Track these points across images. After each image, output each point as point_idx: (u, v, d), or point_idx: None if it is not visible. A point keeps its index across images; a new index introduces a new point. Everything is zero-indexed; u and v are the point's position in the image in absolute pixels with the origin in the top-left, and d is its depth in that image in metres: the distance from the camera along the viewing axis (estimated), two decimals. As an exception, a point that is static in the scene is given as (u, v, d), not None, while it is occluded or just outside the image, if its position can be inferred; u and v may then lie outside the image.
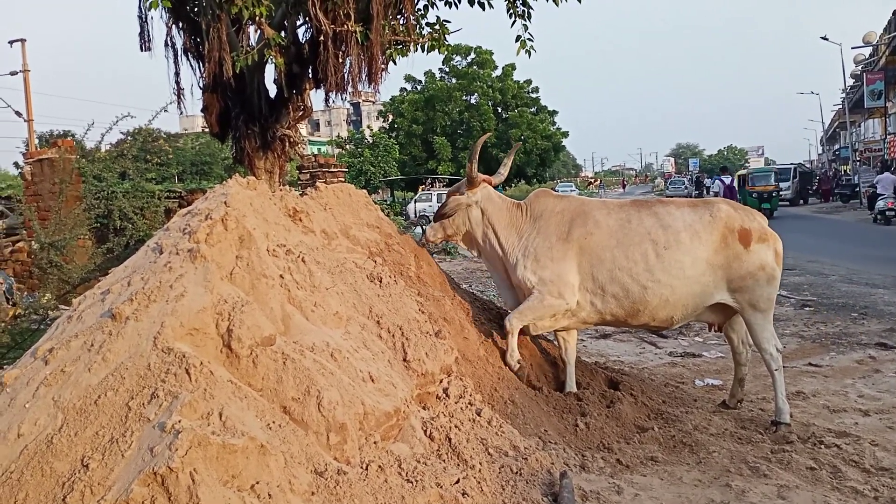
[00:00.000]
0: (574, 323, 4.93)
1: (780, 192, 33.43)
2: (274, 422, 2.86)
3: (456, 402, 3.86)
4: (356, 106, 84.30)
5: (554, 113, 44.46)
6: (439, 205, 5.44)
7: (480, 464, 3.36)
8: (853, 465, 4.13)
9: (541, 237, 4.89)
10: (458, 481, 3.14)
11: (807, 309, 9.37)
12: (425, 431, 3.50)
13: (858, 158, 42.68)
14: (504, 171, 5.48)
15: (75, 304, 3.46)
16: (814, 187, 41.51)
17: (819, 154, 78.15)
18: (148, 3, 6.18)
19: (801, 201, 38.40)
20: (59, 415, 2.73)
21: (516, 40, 7.25)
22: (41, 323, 5.39)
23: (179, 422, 2.54)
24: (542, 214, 5.00)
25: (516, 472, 3.41)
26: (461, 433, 3.57)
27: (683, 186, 37.43)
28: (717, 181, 26.43)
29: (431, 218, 5.54)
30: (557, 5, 7.21)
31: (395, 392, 3.49)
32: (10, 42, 29.37)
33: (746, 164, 78.68)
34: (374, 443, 3.17)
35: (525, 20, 7.29)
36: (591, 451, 4.14)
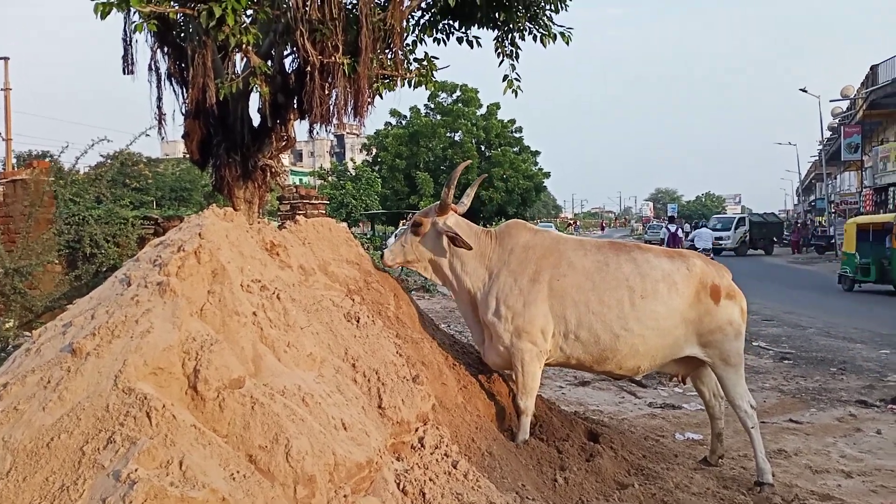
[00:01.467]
0: None
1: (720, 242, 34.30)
2: (238, 472, 2.69)
3: (431, 454, 3.70)
4: (340, 138, 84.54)
5: (536, 153, 44.81)
6: (404, 227, 5.18)
7: (455, 521, 3.20)
8: (838, 530, 4.00)
9: (510, 276, 4.70)
10: (431, 540, 2.97)
11: (786, 362, 9.32)
12: (398, 485, 3.33)
13: (834, 210, 43.35)
14: (467, 202, 5.22)
15: (35, 336, 3.27)
16: (784, 237, 41.93)
17: (795, 204, 79.51)
18: (133, 25, 6.08)
19: (751, 251, 38.34)
20: (7, 457, 2.54)
21: (503, 79, 7.24)
22: (1, 351, 5.15)
23: (136, 470, 2.36)
24: (514, 249, 4.80)
25: (493, 531, 3.24)
26: (436, 487, 3.40)
27: (663, 230, 37.75)
28: (663, 228, 27.50)
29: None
30: (545, 46, 7.20)
31: (369, 441, 3.32)
32: (-7, 59, 29.14)
33: (724, 212, 79.65)
34: (344, 496, 2.99)
35: (513, 60, 7.29)
36: (569, 508, 3.98)
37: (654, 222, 70.99)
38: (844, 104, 42.49)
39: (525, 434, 4.65)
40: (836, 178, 48.33)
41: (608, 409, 6.92)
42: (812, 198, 62.07)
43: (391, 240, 5.38)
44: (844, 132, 39.17)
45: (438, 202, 4.94)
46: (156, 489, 2.30)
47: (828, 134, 45.55)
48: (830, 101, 41.61)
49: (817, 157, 51.05)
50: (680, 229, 24.11)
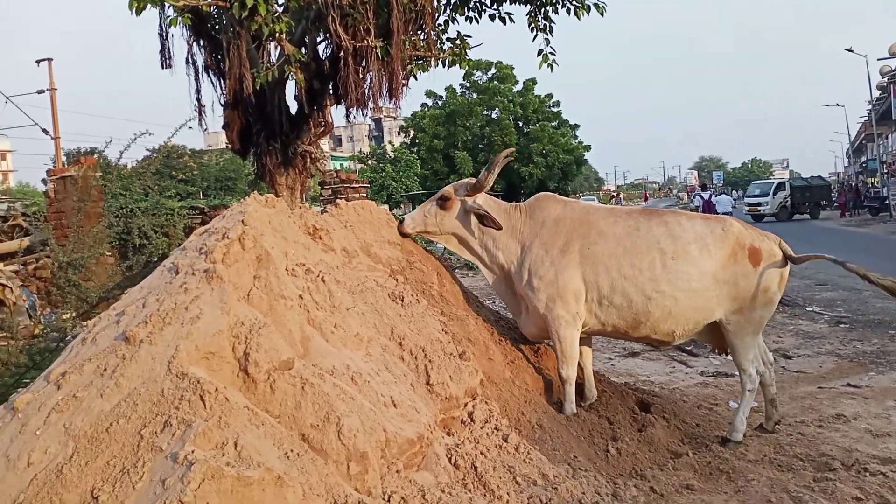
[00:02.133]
0: None
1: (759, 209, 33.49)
2: (292, 450, 2.74)
3: (481, 428, 3.72)
4: (378, 122, 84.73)
5: (576, 127, 44.35)
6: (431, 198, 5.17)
7: (508, 494, 3.21)
8: (902, 494, 3.90)
9: (542, 248, 4.72)
10: (484, 513, 2.99)
11: (842, 326, 9.09)
12: (450, 459, 3.36)
13: (886, 171, 41.92)
14: (491, 179, 4.93)
15: (90, 326, 3.37)
16: (833, 201, 40.66)
17: (846, 166, 77.13)
18: (168, 20, 6.16)
19: (796, 216, 37.27)
20: (70, 443, 2.63)
21: (538, 54, 7.13)
22: (60, 342, 5.32)
23: (193, 452, 2.43)
24: (545, 222, 4.82)
25: (546, 503, 3.25)
26: (487, 461, 3.42)
27: (696, 199, 36.93)
28: (696, 196, 27.27)
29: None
30: (580, 18, 7.06)
31: (419, 417, 3.35)
32: (38, 61, 29.84)
33: (770, 178, 77.75)
34: (397, 472, 3.03)
35: (547, 34, 7.17)
36: (623, 478, 3.95)
37: (698, 191, 69.74)
38: (893, 62, 40.89)
39: (571, 403, 4.65)
40: (887, 138, 46.69)
41: (659, 380, 6.85)
42: (863, 159, 60.07)
43: (413, 211, 5.32)
44: (894, 91, 37.76)
45: (472, 181, 4.93)
46: (213, 469, 2.35)
47: (877, 93, 43.93)
48: (878, 59, 40.07)
49: (867, 118, 49.31)
50: (720, 196, 24.16)
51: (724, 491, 3.90)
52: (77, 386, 2.82)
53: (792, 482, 4.02)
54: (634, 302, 4.58)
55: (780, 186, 38.51)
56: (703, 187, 28.70)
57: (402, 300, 4.39)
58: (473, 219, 4.88)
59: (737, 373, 6.85)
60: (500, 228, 4.75)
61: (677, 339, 4.82)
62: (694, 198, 42.87)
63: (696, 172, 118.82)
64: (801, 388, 6.33)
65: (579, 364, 4.94)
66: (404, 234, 5.04)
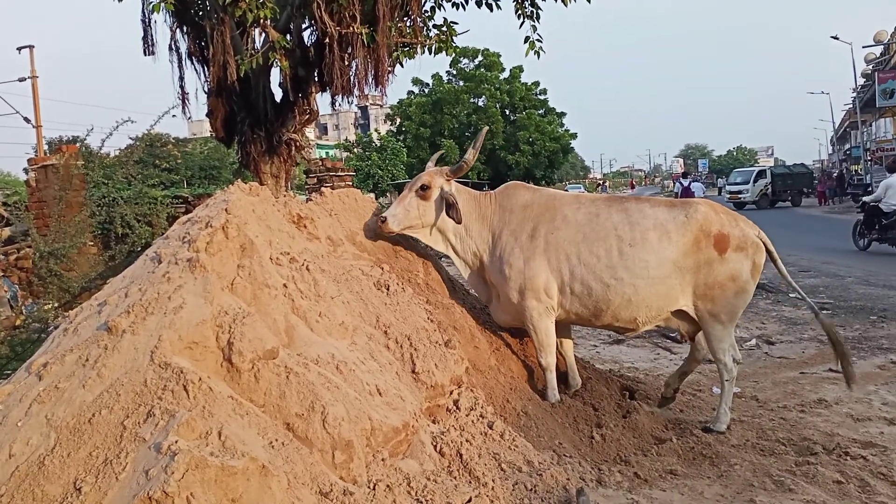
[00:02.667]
0: None
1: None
2: (276, 440, 2.73)
3: (467, 415, 3.73)
4: (364, 109, 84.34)
5: (562, 115, 44.34)
6: (411, 182, 4.91)
7: (493, 481, 3.22)
8: (881, 478, 3.95)
9: (511, 236, 4.72)
10: (469, 500, 3.00)
11: (824, 312, 9.16)
12: (435, 447, 3.36)
13: (870, 158, 42.21)
14: (474, 158, 4.87)
15: (72, 316, 3.34)
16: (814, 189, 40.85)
17: (830, 154, 77.59)
18: (151, 6, 6.08)
19: (776, 204, 37.30)
20: (51, 434, 2.61)
21: (525, 41, 7.11)
22: (41, 333, 5.28)
23: (176, 442, 2.41)
24: (513, 209, 4.81)
25: (531, 489, 3.27)
26: (472, 448, 3.43)
27: (676, 185, 37.18)
28: (677, 183, 28.09)
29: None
30: (566, 5, 7.05)
31: (404, 405, 3.36)
32: (19, 48, 29.45)
33: (756, 165, 78.17)
34: (382, 460, 3.04)
35: (534, 21, 7.15)
36: (607, 464, 3.99)
37: (691, 178, 70.09)
38: (878, 49, 41.16)
39: (554, 390, 4.67)
40: (871, 126, 46.97)
41: (643, 366, 6.90)
42: (847, 146, 60.46)
43: (393, 206, 5.10)
44: (879, 78, 37.94)
45: (454, 165, 4.82)
46: (196, 459, 2.34)
47: (861, 81, 44.22)
48: (863, 46, 40.40)
49: (851, 105, 49.64)
50: (693, 183, 25.22)
51: (708, 476, 3.94)
52: (59, 376, 2.80)
53: (774, 466, 4.06)
54: (594, 290, 4.55)
55: (761, 174, 38.61)
56: (685, 175, 30.20)
57: (388, 289, 4.39)
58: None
59: (721, 359, 6.94)
60: (459, 222, 4.69)
61: (641, 326, 4.75)
62: (675, 184, 43.12)
63: (681, 160, 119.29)
64: (783, 374, 6.39)
65: (561, 353, 4.96)
66: (389, 234, 4.79)
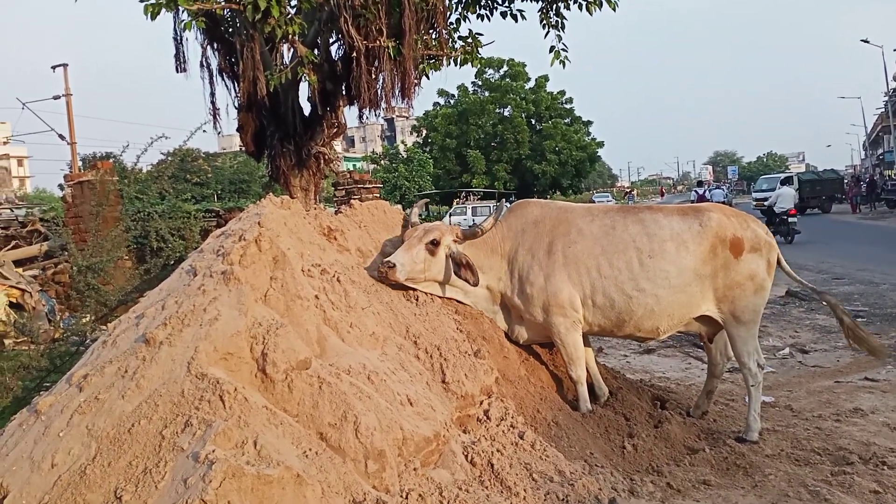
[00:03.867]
0: None
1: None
2: (310, 449, 2.77)
3: (497, 425, 3.74)
4: (390, 121, 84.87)
5: (589, 123, 44.20)
6: (420, 233, 4.62)
7: (525, 490, 3.23)
8: (920, 488, 3.88)
9: (528, 254, 4.67)
10: (501, 510, 3.01)
11: (859, 320, 9.00)
12: (466, 456, 3.38)
13: (904, 162, 41.44)
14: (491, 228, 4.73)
15: (110, 329, 3.42)
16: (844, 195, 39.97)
17: (862, 159, 76.29)
18: (182, 24, 6.22)
19: (805, 211, 36.59)
20: (92, 444, 2.67)
21: (550, 51, 7.15)
22: (80, 345, 5.40)
23: (213, 451, 2.46)
24: (525, 228, 4.76)
25: (563, 499, 3.27)
26: (504, 458, 3.44)
27: (692, 194, 36.69)
28: (693, 192, 28.92)
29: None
30: (591, 14, 7.08)
31: (435, 415, 3.38)
32: (53, 67, 30.17)
33: (787, 171, 77.13)
34: (414, 469, 3.06)
35: (559, 31, 7.18)
36: (639, 474, 3.97)
37: (713, 185, 69.41)
38: (910, 53, 40.48)
39: (586, 401, 4.66)
40: (903, 130, 46.14)
41: (675, 376, 6.84)
42: (880, 151, 59.44)
43: (400, 253, 4.56)
44: (911, 81, 37.33)
45: (468, 230, 4.71)
46: (233, 468, 2.39)
47: (893, 85, 43.53)
48: (894, 50, 39.79)
49: (883, 110, 48.83)
50: (707, 192, 25.88)
51: (742, 486, 3.90)
52: (99, 388, 2.87)
53: (809, 476, 4.01)
54: (616, 302, 4.57)
55: (788, 181, 37.91)
56: (699, 184, 31.75)
57: (417, 299, 4.43)
58: (450, 263, 4.61)
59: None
60: (476, 284, 4.54)
61: (662, 334, 4.79)
62: (691, 192, 42.90)
63: (710, 167, 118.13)
64: (818, 383, 6.30)
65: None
66: (394, 282, 4.44)
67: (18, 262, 10.03)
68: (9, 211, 13.00)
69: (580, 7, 7.04)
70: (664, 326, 4.70)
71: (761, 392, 4.79)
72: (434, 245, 4.56)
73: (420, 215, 5.15)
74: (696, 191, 29.06)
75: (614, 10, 7.15)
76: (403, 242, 4.65)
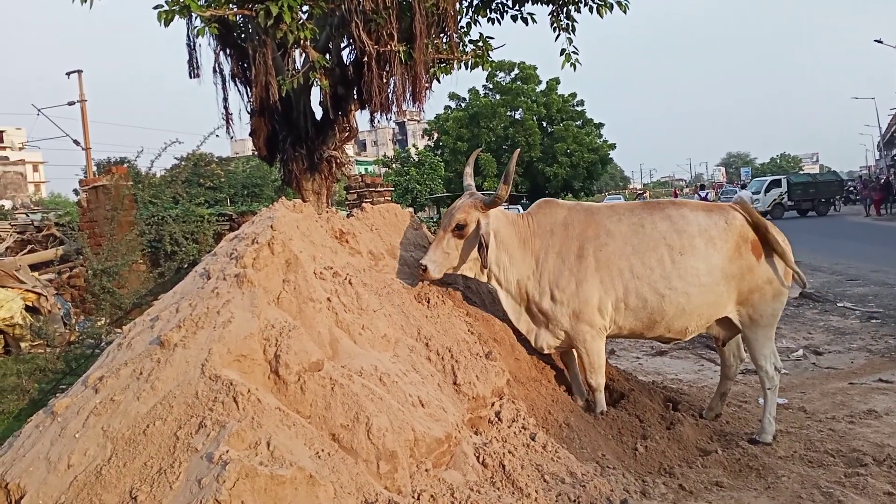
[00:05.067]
0: None
1: None
2: (323, 450, 2.79)
3: (509, 427, 3.75)
4: (401, 125, 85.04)
5: (600, 125, 44.13)
6: (446, 221, 4.57)
7: (536, 492, 3.24)
8: (935, 489, 3.85)
9: (558, 258, 4.55)
10: (513, 511, 3.02)
11: (873, 321, 8.96)
12: (478, 458, 3.39)
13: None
14: (507, 191, 4.53)
15: (125, 331, 3.46)
16: (853, 195, 39.31)
17: (877, 159, 75.67)
18: (195, 30, 6.28)
19: (806, 213, 36.04)
20: (108, 445, 2.71)
21: (561, 54, 7.17)
22: (95, 348, 5.46)
23: (227, 452, 2.49)
24: (553, 230, 4.63)
25: (574, 501, 3.27)
26: (515, 459, 3.45)
27: (696, 197, 36.30)
28: (696, 196, 28.94)
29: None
30: (602, 17, 7.10)
31: (446, 417, 3.39)
32: (68, 73, 30.51)
33: (801, 172, 76.70)
34: (426, 470, 3.07)
35: (569, 33, 7.21)
36: (651, 476, 3.96)
37: (728, 186, 68.91)
38: (923, 54, 40.02)
39: (602, 406, 4.64)
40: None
41: (687, 378, 6.82)
42: (894, 152, 58.95)
43: (430, 252, 4.51)
44: (924, 82, 36.83)
45: (487, 197, 4.57)
46: (247, 469, 2.41)
47: (908, 84, 43.06)
48: (908, 50, 39.34)
49: (897, 110, 48.37)
50: (710, 194, 26.24)
51: (755, 488, 3.89)
52: (114, 389, 2.91)
53: (823, 478, 3.99)
54: (649, 301, 4.48)
55: (775, 183, 37.25)
56: (702, 187, 31.61)
57: (428, 301, 4.44)
58: (491, 237, 4.52)
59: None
60: (485, 267, 4.45)
61: (689, 335, 4.74)
62: (694, 196, 42.53)
63: (723, 169, 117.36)
64: (831, 385, 6.26)
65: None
66: (431, 281, 4.51)
67: (34, 267, 10.15)
68: (24, 216, 13.13)
69: (591, 10, 7.06)
70: (693, 326, 4.65)
71: (777, 395, 4.76)
72: (460, 229, 4.49)
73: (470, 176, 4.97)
74: (698, 194, 28.96)
75: (625, 12, 7.16)
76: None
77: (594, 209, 4.81)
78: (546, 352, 4.73)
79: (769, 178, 39.53)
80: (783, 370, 6.73)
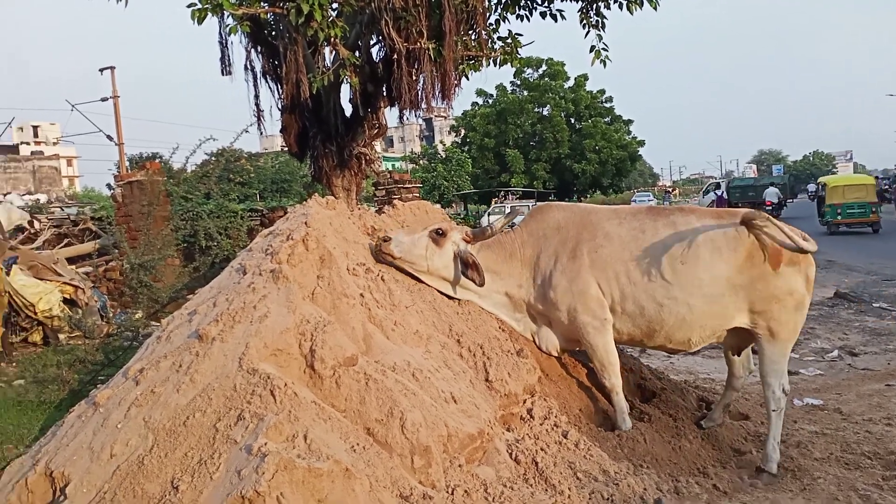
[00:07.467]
0: None
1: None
2: (358, 444, 2.83)
3: (541, 424, 3.75)
4: (429, 121, 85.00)
5: (629, 122, 43.70)
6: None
7: (569, 489, 3.24)
8: (976, 493, 3.78)
9: (551, 258, 4.44)
10: (546, 507, 3.02)
11: (906, 322, 8.81)
12: (511, 454, 3.40)
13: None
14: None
15: (164, 325, 3.53)
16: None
17: (913, 157, 74.05)
18: (227, 28, 6.35)
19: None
20: (149, 435, 2.77)
21: (590, 51, 7.12)
22: (133, 340, 5.56)
23: (265, 444, 2.53)
24: (546, 234, 4.53)
25: (607, 499, 3.27)
26: (548, 456, 3.46)
27: (711, 195, 34.99)
28: (711, 193, 28.51)
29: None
30: (632, 13, 7.03)
31: (479, 413, 3.41)
32: (101, 70, 30.97)
33: (834, 171, 75.49)
34: (459, 466, 3.09)
35: (599, 30, 7.15)
36: (685, 475, 3.94)
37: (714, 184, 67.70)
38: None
39: (623, 414, 4.34)
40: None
41: (720, 377, 6.74)
42: (932, 148, 57.59)
43: (401, 232, 4.49)
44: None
45: (477, 229, 4.57)
46: (285, 461, 2.45)
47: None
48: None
49: (936, 104, 47.25)
50: (768, 189, 25.33)
51: (790, 489, 3.85)
52: (154, 381, 2.97)
53: (860, 480, 3.94)
54: (647, 309, 4.29)
55: (716, 186, 36.33)
56: (717, 185, 31.25)
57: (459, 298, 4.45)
58: (458, 262, 4.41)
59: (801, 370, 6.75)
60: (482, 285, 4.32)
61: (694, 346, 4.50)
62: (709, 195, 41.83)
63: (754, 166, 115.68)
64: (868, 386, 6.16)
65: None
66: (387, 256, 4.33)
67: (71, 260, 10.34)
68: (59, 209, 13.39)
69: (620, 7, 7.00)
70: (696, 338, 4.41)
71: (783, 419, 4.34)
72: (439, 235, 4.39)
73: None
74: (713, 192, 28.05)
75: (655, 9, 7.08)
76: None
77: (593, 211, 4.67)
78: (555, 354, 4.62)
79: (712, 181, 38.99)
80: (818, 371, 6.67)
